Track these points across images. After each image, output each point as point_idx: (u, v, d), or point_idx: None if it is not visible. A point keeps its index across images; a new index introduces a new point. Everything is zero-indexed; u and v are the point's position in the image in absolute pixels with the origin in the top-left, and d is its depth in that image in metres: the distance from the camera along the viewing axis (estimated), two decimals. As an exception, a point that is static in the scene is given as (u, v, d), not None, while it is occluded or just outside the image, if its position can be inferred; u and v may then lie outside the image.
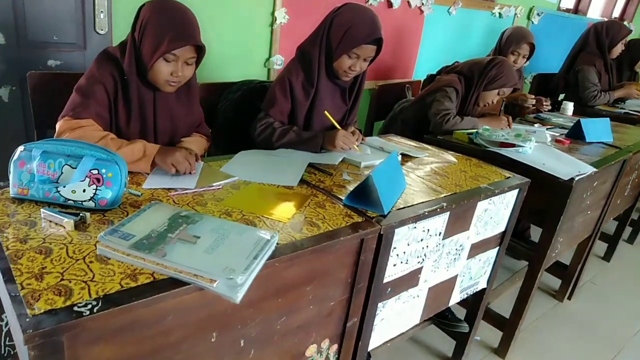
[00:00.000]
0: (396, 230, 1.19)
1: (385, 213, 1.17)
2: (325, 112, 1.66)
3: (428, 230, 1.30)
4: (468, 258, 1.55)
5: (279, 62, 2.73)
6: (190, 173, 1.29)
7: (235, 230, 0.95)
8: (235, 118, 1.93)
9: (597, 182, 1.97)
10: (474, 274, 1.63)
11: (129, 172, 1.09)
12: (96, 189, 1.02)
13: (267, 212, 1.11)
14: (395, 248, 1.22)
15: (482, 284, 1.73)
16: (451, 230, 1.39)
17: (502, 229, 1.64)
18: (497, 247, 1.68)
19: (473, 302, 1.84)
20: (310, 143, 1.63)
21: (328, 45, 1.66)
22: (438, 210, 1.27)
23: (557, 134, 2.38)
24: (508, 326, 2.01)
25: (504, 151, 1.86)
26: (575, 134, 2.32)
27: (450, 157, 1.76)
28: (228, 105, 1.94)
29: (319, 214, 1.14)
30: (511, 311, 1.98)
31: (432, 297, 1.47)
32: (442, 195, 1.35)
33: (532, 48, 2.79)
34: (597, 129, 2.32)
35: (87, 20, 2.06)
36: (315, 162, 1.50)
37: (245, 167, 1.40)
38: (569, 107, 2.88)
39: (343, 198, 1.23)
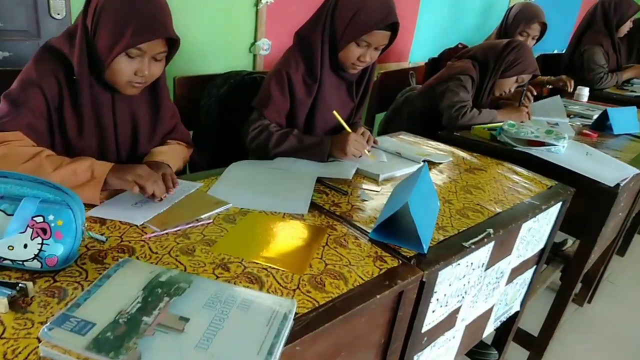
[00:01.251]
0: (439, 272, 0.93)
1: (426, 251, 0.91)
2: (335, 112, 1.38)
3: (472, 264, 1.05)
4: (506, 284, 1.31)
5: (265, 46, 2.43)
6: (163, 197, 1.01)
7: (237, 300, 0.68)
8: (222, 117, 1.64)
9: (633, 182, 1.74)
10: (509, 299, 1.40)
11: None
12: (42, 244, 0.74)
13: (276, 260, 0.84)
14: (435, 292, 0.97)
15: (516, 308, 1.50)
16: (494, 258, 1.15)
17: (542, 245, 1.40)
18: (535, 266, 1.45)
19: (503, 325, 1.62)
20: (315, 150, 1.35)
21: (332, 32, 1.38)
22: (485, 240, 1.02)
23: (579, 124, 2.15)
24: (536, 345, 1.80)
25: (534, 151, 1.61)
26: (600, 125, 2.09)
27: (475, 160, 1.51)
28: (212, 102, 1.64)
29: (341, 258, 0.88)
30: (541, 328, 1.77)
31: (467, 334, 1.23)
32: (485, 218, 1.10)
33: (544, 28, 2.53)
34: (625, 120, 2.09)
35: (39, 3, 1.73)
36: (324, 177, 1.23)
37: (240, 188, 1.12)
38: (584, 92, 2.65)
39: (368, 231, 0.97)
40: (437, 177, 1.33)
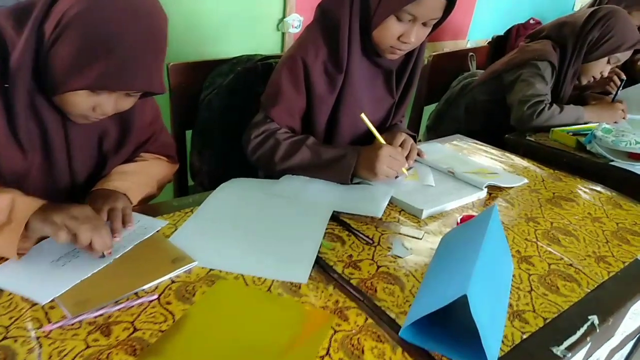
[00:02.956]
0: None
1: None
2: (363, 115, 1.01)
3: (562, 372, 0.67)
4: (601, 369, 0.92)
5: (296, 23, 2.06)
6: (106, 253, 0.69)
7: None
8: (227, 113, 1.30)
9: None
10: (601, 382, 1.01)
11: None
12: None
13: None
14: None
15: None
16: (592, 349, 0.76)
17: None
18: (637, 337, 1.04)
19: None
20: (336, 168, 0.99)
21: (364, 4, 1.00)
22: (588, 339, 0.64)
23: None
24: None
25: (639, 167, 1.18)
26: None
27: (560, 181, 1.10)
28: (215, 95, 1.30)
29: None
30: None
31: None
32: (584, 293, 0.72)
33: None
34: None
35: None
36: (342, 211, 0.87)
37: (216, 233, 0.78)
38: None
39: (400, 323, 0.61)
40: (506, 214, 0.94)
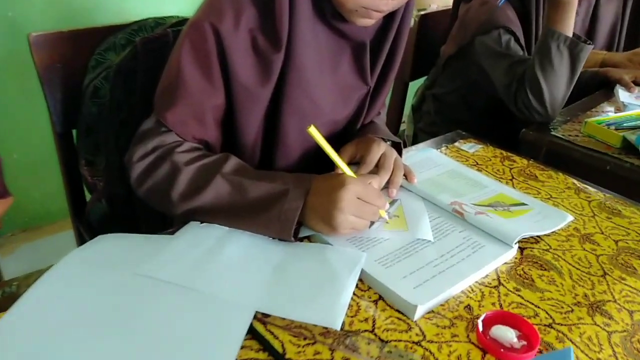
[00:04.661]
0: None
1: None
2: (312, 129, 0.60)
3: None
4: None
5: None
6: None
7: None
8: (121, 109, 0.87)
9: None
10: None
11: None
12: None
13: None
14: None
15: None
16: None
17: None
18: None
19: None
20: (269, 214, 0.58)
21: None
22: None
23: None
24: None
25: None
26: None
27: (622, 211, 0.73)
28: (102, 81, 0.88)
29: None
30: None
31: None
32: None
33: None
34: None
35: None
36: (271, 313, 0.48)
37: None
38: None
39: None
40: (551, 293, 0.56)
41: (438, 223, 0.64)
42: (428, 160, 0.82)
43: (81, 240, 1.08)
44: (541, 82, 0.99)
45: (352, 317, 0.49)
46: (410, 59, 1.40)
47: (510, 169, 0.84)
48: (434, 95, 1.35)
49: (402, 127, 1.60)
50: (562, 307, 0.53)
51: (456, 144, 0.92)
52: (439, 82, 1.34)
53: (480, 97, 1.24)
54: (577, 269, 0.60)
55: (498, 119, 1.18)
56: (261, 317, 0.48)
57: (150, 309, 0.48)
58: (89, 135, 0.92)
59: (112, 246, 0.57)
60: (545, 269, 0.59)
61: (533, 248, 0.63)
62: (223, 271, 0.53)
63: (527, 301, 0.53)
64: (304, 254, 0.57)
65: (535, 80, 0.99)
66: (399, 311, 0.50)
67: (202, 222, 0.61)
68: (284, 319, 0.47)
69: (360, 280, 0.54)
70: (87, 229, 1.04)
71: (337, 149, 0.73)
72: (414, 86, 1.49)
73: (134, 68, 0.84)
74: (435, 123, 1.36)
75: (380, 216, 0.61)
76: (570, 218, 0.68)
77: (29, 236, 1.68)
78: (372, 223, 0.61)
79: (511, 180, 0.80)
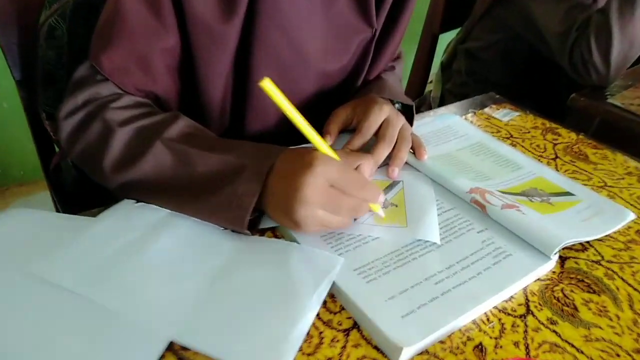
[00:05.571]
0: None
1: None
2: (265, 82, 0.43)
3: None
4: None
5: None
6: None
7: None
8: (82, 52, 0.72)
9: None
10: None
11: None
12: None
13: None
14: None
15: None
16: None
17: None
18: None
19: None
20: (218, 195, 0.43)
21: None
22: None
23: None
24: None
25: None
26: None
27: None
28: (59, 20, 0.73)
29: None
30: None
31: None
32: None
33: None
34: None
35: None
36: (194, 347, 0.34)
37: None
38: None
39: None
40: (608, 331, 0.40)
41: (449, 218, 0.48)
42: (447, 130, 0.64)
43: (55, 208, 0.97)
44: (614, 30, 0.79)
45: (308, 354, 0.35)
46: (440, 5, 1.19)
47: (554, 144, 0.66)
48: (466, 51, 1.15)
49: (429, 87, 1.40)
50: (619, 355, 0.37)
51: (487, 109, 0.74)
52: (474, 34, 1.13)
53: (522, 54, 1.04)
54: (640, 292, 0.43)
55: (542, 83, 0.99)
56: (179, 349, 0.34)
57: (30, 328, 0.34)
58: (48, 84, 0.78)
59: (12, 228, 0.44)
60: (594, 292, 0.42)
61: (578, 259, 0.46)
62: (141, 277, 0.39)
63: (566, 341, 0.38)
64: (259, 255, 0.42)
65: (606, 27, 0.80)
66: (377, 349, 0.35)
67: (137, 202, 0.47)
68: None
69: (330, 295, 0.39)
70: (58, 192, 0.92)
71: (330, 112, 0.57)
72: (445, 40, 1.28)
73: (96, 2, 0.68)
74: (467, 84, 1.16)
75: (371, 211, 0.45)
76: (631, 216, 0.51)
77: (26, 190, 1.60)
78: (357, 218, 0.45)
79: (554, 160, 0.62)
